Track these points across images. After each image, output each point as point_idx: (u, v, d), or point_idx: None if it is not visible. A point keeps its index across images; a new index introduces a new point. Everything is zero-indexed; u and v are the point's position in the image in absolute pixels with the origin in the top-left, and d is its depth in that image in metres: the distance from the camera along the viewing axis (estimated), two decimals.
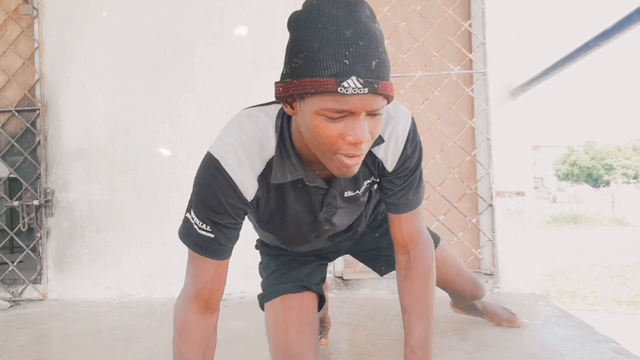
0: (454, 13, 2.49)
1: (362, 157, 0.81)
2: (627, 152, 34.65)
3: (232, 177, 0.87)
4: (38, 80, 2.81)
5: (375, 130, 0.79)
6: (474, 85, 2.51)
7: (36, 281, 2.76)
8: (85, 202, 2.75)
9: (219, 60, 2.66)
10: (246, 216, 0.99)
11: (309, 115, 0.77)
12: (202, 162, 0.91)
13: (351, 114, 0.75)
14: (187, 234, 0.92)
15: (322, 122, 0.76)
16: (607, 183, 33.84)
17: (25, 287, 2.76)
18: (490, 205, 2.44)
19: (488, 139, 2.46)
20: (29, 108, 2.84)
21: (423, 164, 1.03)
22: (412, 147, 0.98)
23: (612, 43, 1.45)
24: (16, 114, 2.84)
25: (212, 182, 0.87)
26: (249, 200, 0.90)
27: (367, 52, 0.72)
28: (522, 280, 2.41)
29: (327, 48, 0.72)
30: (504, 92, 2.46)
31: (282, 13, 2.57)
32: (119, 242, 2.71)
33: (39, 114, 2.80)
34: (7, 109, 2.86)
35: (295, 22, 0.78)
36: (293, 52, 0.77)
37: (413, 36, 2.52)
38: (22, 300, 2.73)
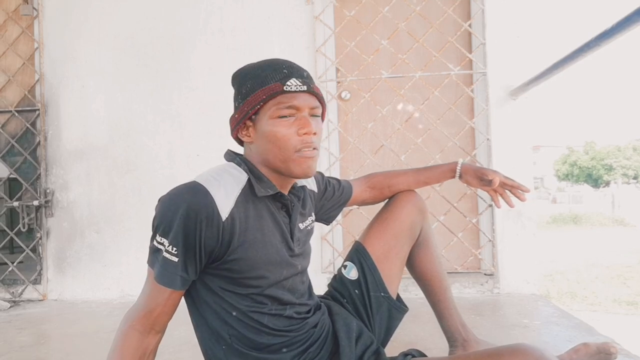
0: (453, 13, 2.49)
1: (315, 157, 0.94)
2: (627, 153, 34.63)
3: (210, 191, 0.88)
4: (38, 80, 2.81)
5: (318, 130, 0.94)
6: (473, 85, 2.51)
7: (36, 281, 2.76)
8: (85, 202, 2.75)
9: (218, 60, 2.66)
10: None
11: (266, 124, 0.92)
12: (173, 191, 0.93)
13: (298, 110, 0.92)
14: (153, 257, 0.94)
15: (277, 125, 0.91)
16: (607, 183, 33.80)
17: (25, 287, 2.76)
18: (490, 205, 2.44)
19: (488, 139, 2.46)
20: (29, 108, 2.84)
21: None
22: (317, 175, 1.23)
23: (612, 43, 1.46)
24: (16, 114, 2.84)
25: (189, 197, 0.87)
26: (223, 219, 0.88)
27: (299, 67, 0.96)
28: (522, 280, 2.42)
29: (268, 69, 0.94)
30: (504, 92, 2.46)
31: (281, 13, 2.57)
32: (119, 243, 2.71)
33: (39, 114, 2.80)
34: (7, 109, 2.86)
35: (238, 73, 0.98)
36: (241, 84, 0.96)
37: (413, 36, 2.52)
38: (22, 301, 2.73)
